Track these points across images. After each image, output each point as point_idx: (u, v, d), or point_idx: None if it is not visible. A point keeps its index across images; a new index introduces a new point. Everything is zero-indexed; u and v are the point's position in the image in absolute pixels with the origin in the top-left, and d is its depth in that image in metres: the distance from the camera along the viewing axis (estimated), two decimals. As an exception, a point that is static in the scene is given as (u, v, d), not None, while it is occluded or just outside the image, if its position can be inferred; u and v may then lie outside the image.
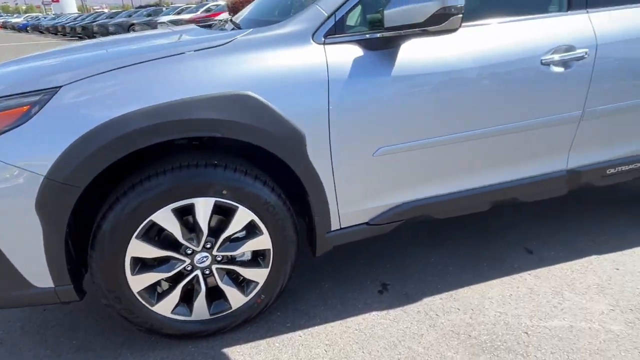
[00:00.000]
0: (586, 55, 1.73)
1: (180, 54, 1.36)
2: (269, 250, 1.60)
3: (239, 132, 1.36)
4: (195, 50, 1.37)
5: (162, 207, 1.41)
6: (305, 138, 1.45)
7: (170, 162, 1.43)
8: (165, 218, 1.43)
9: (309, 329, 1.72)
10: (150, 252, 1.47)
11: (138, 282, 1.49)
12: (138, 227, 1.41)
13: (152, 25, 16.25)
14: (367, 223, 1.72)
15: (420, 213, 1.77)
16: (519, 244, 2.24)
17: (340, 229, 1.68)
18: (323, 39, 1.47)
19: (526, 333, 1.65)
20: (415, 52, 1.54)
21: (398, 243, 2.30)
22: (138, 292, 1.51)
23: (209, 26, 2.09)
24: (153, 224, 1.43)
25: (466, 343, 1.61)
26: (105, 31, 18.45)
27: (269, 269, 1.63)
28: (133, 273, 1.48)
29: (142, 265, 1.51)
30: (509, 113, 1.70)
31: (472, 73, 1.59)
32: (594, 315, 1.72)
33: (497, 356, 1.55)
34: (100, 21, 20.75)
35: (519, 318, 1.72)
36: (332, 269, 2.10)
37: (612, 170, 2.04)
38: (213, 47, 1.39)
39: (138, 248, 1.44)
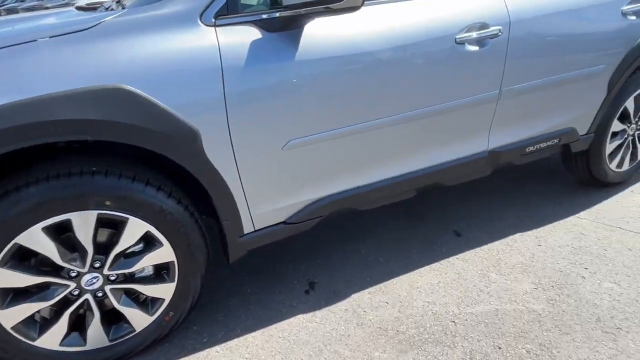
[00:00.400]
0: (500, 33, 1.67)
1: (32, 41, 1.12)
2: (173, 262, 1.41)
3: (113, 133, 1.15)
4: (50, 37, 1.13)
5: (30, 227, 1.18)
6: (200, 134, 1.26)
7: (38, 171, 1.20)
8: (34, 239, 1.19)
9: (228, 343, 1.57)
10: (22, 280, 1.24)
11: (11, 316, 1.26)
12: (0, 252, 1.17)
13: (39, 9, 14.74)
14: (284, 222, 1.58)
15: (342, 206, 1.66)
16: (448, 227, 2.21)
17: (255, 231, 1.53)
18: (213, 20, 1.28)
19: (453, 322, 1.61)
20: (320, 33, 1.39)
21: (327, 236, 2.19)
22: (13, 327, 1.27)
23: (94, 8, 1.81)
24: (20, 247, 1.20)
25: (394, 340, 1.54)
26: (15, 16, 16.57)
27: (175, 282, 1.45)
28: (3, 306, 1.24)
29: (15, 295, 1.27)
30: (426, 96, 1.61)
31: (383, 54, 1.48)
32: (518, 296, 1.72)
33: (425, 350, 1.49)
34: (7, 5, 18.65)
35: (447, 306, 1.68)
36: (255, 270, 1.96)
37: (531, 148, 2.05)
38: (73, 32, 1.15)
39: (4, 277, 1.21)
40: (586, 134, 2.21)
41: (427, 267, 1.92)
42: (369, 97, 1.50)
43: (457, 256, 1.98)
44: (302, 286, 1.84)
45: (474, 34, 1.63)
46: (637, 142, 2.45)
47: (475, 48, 1.65)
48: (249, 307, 1.74)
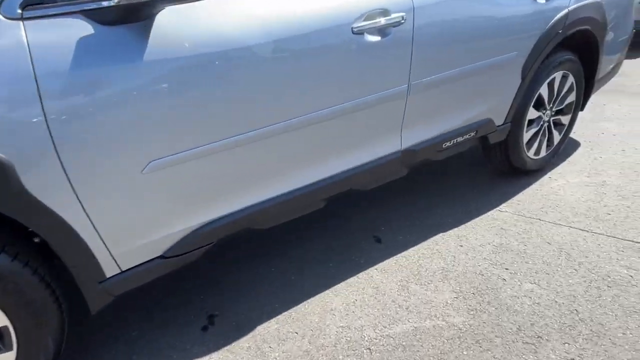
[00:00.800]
0: (403, 20, 1.48)
1: None
2: (6, 327, 1.10)
3: None
4: None
5: None
6: (14, 166, 0.95)
7: None
8: None
9: (101, 409, 1.29)
10: None
11: None
12: None
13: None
14: (162, 256, 1.31)
15: (233, 229, 1.41)
16: (368, 233, 2.05)
17: (122, 272, 1.25)
18: (19, 12, 0.95)
19: (369, 349, 1.44)
20: (175, 25, 1.11)
21: (233, 254, 1.95)
22: None
23: None
24: None
25: (301, 380, 1.35)
26: None
27: (14, 350, 1.13)
28: None
29: None
30: (322, 97, 1.39)
31: (264, 50, 1.23)
32: (438, 309, 1.58)
33: (336, 390, 1.31)
34: None
35: (363, 330, 1.51)
36: (145, 306, 1.67)
37: (448, 144, 1.91)
38: None
39: None
40: (503, 124, 2.12)
41: (343, 284, 1.74)
42: (248, 101, 1.25)
43: (376, 267, 1.82)
44: (200, 322, 1.59)
45: (374, 23, 1.42)
46: (553, 129, 2.42)
47: (376, 38, 1.44)
48: (132, 356, 1.46)
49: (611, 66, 2.65)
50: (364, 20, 1.40)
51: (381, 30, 1.45)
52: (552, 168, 2.55)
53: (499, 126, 2.10)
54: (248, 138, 1.28)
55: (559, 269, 1.75)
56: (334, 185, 1.61)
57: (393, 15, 1.45)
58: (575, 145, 2.84)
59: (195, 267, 1.85)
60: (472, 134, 1.98)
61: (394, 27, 1.47)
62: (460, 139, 1.95)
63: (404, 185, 2.42)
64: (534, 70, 2.06)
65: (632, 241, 1.90)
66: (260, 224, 1.48)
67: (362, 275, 1.78)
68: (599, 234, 1.96)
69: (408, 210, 2.21)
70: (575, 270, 1.74)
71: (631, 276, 1.70)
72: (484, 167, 2.60)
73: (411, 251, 1.90)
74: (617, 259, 1.79)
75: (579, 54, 2.32)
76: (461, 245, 1.93)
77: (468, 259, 1.83)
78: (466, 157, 2.72)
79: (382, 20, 1.44)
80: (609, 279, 1.68)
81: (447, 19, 1.63)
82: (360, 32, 1.39)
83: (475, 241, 1.95)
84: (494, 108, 2.02)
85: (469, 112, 1.91)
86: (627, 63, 4.81)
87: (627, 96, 3.77)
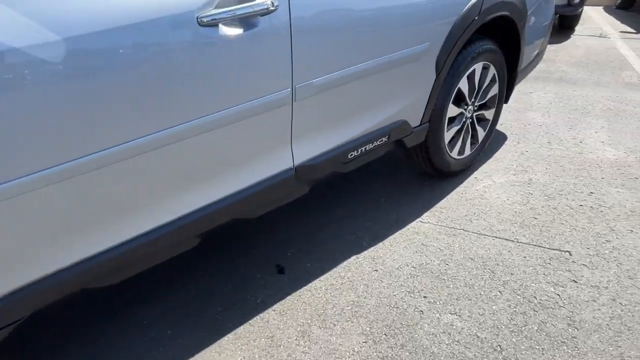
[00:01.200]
0: (274, 7, 1.15)
1: None
2: None
3: None
4: None
5: None
6: None
7: None
8: None
9: None
10: None
11: None
12: None
13: None
14: None
15: (58, 295, 1.04)
16: (270, 261, 1.73)
17: None
18: None
19: None
20: None
21: (86, 304, 1.56)
22: None
23: None
24: None
25: None
26: None
27: None
28: None
29: None
30: (169, 110, 1.04)
31: (81, 47, 0.85)
32: (343, 361, 1.31)
33: None
34: None
35: (247, 402, 1.20)
36: None
37: (355, 153, 1.63)
38: None
39: None
40: (420, 125, 1.87)
41: (231, 335, 1.41)
42: (63, 120, 0.87)
43: (274, 307, 1.51)
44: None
45: (230, 11, 1.07)
46: (476, 125, 2.22)
47: (237, 31, 1.10)
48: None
49: (534, 53, 2.49)
50: (215, 8, 1.05)
51: (243, 21, 1.11)
52: (479, 166, 2.37)
53: (415, 128, 1.85)
54: (58, 173, 0.91)
55: (482, 293, 1.54)
56: (209, 218, 1.27)
57: (258, 1, 1.11)
58: (501, 138, 2.69)
59: (43, 320, 1.44)
60: (384, 139, 1.71)
61: (262, 15, 1.13)
62: (370, 146, 1.67)
63: (315, 198, 2.13)
64: (450, 63, 1.82)
65: (559, 250, 1.73)
66: (98, 283, 1.12)
67: (257, 320, 1.46)
68: (525, 243, 1.77)
69: (320, 227, 1.91)
70: (500, 292, 1.54)
71: (558, 295, 1.52)
72: (407, 169, 2.36)
73: (319, 282, 1.62)
74: (544, 274, 1.61)
75: (499, 42, 2.11)
76: (376, 270, 1.66)
77: (383, 288, 1.58)
78: (386, 159, 2.47)
79: (242, 8, 1.09)
80: (535, 301, 1.49)
81: (340, 5, 1.32)
82: (210, 24, 1.04)
83: (392, 263, 1.69)
84: (408, 108, 1.75)
85: (377, 115, 1.63)
86: (550, 48, 4.82)
87: (552, 82, 3.71)
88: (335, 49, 1.35)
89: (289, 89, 1.26)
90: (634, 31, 5.48)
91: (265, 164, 1.35)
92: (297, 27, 1.21)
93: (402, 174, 2.33)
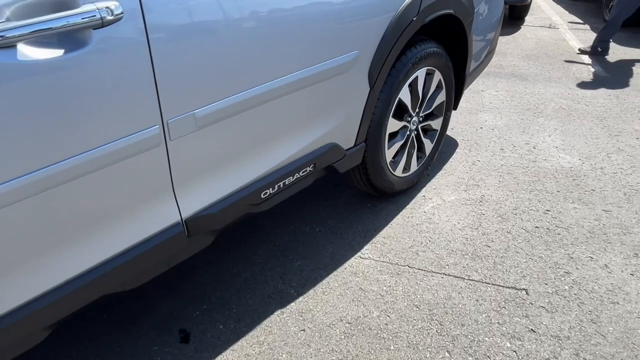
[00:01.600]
0: (112, 15, 0.79)
1: None
2: None
3: None
4: None
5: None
6: None
7: None
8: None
9: None
10: None
11: None
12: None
13: None
14: None
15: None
16: (175, 323, 1.39)
17: None
18: None
19: None
20: None
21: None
22: None
23: None
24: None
25: None
26: None
27: None
28: None
29: None
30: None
31: None
32: None
33: None
34: None
35: None
36: None
37: (270, 191, 1.31)
38: None
39: None
40: (354, 146, 1.58)
41: None
42: None
43: (170, 396, 1.19)
44: None
45: (31, 24, 0.71)
46: (422, 137, 1.95)
47: (51, 53, 0.74)
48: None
49: (484, 53, 2.26)
50: (5, 21, 0.69)
51: (63, 37, 0.75)
52: (427, 181, 2.12)
53: (348, 150, 1.55)
54: None
55: (427, 355, 1.28)
56: (67, 301, 0.92)
57: (85, 8, 0.75)
58: (452, 145, 2.45)
59: None
60: (309, 168, 1.40)
61: (95, 28, 0.78)
62: (290, 179, 1.36)
63: (235, 232, 1.79)
64: (387, 72, 1.52)
65: (514, 288, 1.50)
66: None
67: (144, 419, 1.13)
68: (477, 281, 1.53)
69: (237, 273, 1.59)
70: (449, 353, 1.28)
71: (515, 352, 1.28)
72: (347, 187, 2.08)
73: (230, 353, 1.30)
74: (499, 322, 1.37)
75: (444, 44, 1.84)
76: (303, 330, 1.37)
77: (310, 356, 1.28)
78: (323, 179, 2.17)
79: (54, 19, 0.73)
80: (489, 362, 1.25)
81: (227, 5, 0.98)
82: (7, 44, 0.68)
83: (323, 318, 1.40)
84: (337, 129, 1.45)
85: (296, 142, 1.32)
86: (502, 40, 4.67)
87: (504, 78, 3.53)
88: (225, 67, 1.01)
89: (156, 126, 0.92)
90: (582, 22, 5.45)
91: (138, 222, 1.00)
92: (158, 40, 0.86)
93: (341, 193, 2.04)
